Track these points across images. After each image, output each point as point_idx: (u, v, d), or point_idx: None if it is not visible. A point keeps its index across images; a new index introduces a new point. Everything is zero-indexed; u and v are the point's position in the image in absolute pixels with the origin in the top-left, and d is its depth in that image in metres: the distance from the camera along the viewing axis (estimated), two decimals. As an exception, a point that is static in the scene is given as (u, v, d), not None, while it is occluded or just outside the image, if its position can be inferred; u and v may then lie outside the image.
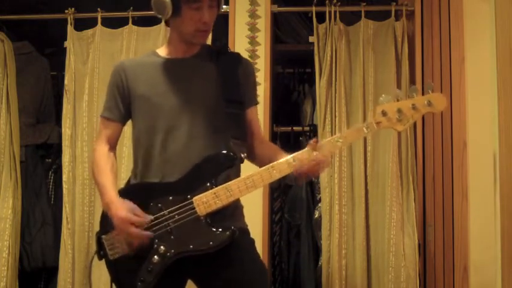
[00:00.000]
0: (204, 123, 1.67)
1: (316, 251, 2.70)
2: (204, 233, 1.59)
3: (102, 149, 1.73)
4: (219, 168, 1.63)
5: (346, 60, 2.65)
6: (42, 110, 3.09)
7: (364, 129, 1.59)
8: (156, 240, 1.59)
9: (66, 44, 2.81)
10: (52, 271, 2.81)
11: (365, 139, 2.58)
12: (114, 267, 1.65)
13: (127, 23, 2.79)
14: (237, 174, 1.69)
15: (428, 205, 2.56)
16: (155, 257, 1.59)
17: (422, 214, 2.58)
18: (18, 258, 2.75)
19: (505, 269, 1.92)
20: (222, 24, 2.71)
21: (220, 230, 1.59)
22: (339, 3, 2.66)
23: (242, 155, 1.66)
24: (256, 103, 1.84)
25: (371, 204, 2.57)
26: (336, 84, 2.62)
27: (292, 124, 2.97)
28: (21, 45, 3.02)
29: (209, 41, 2.62)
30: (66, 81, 2.79)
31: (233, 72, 1.74)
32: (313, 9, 2.69)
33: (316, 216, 2.69)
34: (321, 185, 2.62)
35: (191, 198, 1.60)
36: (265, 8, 2.72)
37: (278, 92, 3.29)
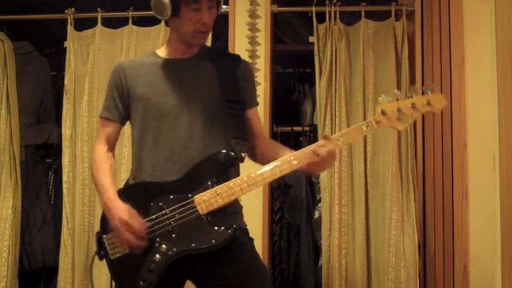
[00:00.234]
0: (203, 124, 1.67)
1: (316, 251, 2.70)
2: (206, 232, 1.59)
3: (101, 149, 1.74)
4: (219, 168, 1.63)
5: (346, 60, 2.65)
6: (42, 110, 3.09)
7: (364, 127, 1.60)
8: (158, 239, 1.60)
9: (66, 44, 2.81)
10: (52, 271, 2.81)
11: (365, 139, 2.59)
12: (115, 266, 1.65)
13: (127, 23, 2.79)
14: (237, 174, 1.69)
15: (428, 205, 2.56)
16: (157, 255, 1.59)
17: (422, 214, 2.58)
18: (18, 258, 2.76)
19: (505, 268, 1.92)
20: (222, 24, 2.71)
21: (221, 228, 1.59)
22: (339, 3, 2.66)
23: (242, 155, 1.66)
24: (256, 104, 1.84)
25: (371, 204, 2.57)
26: (336, 84, 2.62)
27: (292, 124, 2.97)
28: (21, 45, 3.02)
29: (209, 42, 2.64)
30: (66, 81, 2.79)
31: (233, 73, 1.75)
32: (313, 9, 2.69)
33: (316, 216, 2.69)
34: (321, 185, 2.62)
35: (192, 197, 1.60)
36: (265, 8, 2.72)
37: (278, 92, 3.29)
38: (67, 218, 2.70)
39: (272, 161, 1.63)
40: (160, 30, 2.72)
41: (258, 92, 1.90)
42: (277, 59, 3.02)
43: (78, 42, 2.81)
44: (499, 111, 1.98)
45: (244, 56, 2.58)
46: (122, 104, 1.75)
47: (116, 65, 1.80)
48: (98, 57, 2.78)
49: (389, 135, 2.53)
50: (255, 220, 2.57)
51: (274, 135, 2.89)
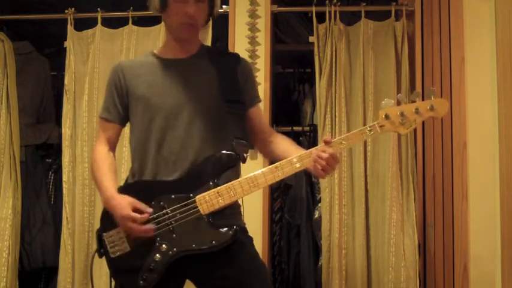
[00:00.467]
0: (203, 124, 1.67)
1: (316, 251, 2.70)
2: (207, 232, 1.59)
3: (101, 149, 1.74)
4: (220, 168, 1.63)
5: (346, 60, 2.65)
6: (42, 110, 3.09)
7: (367, 131, 1.60)
8: (158, 239, 1.60)
9: (66, 44, 2.81)
10: (52, 271, 2.81)
11: (365, 139, 2.58)
12: (115, 265, 1.65)
13: (127, 23, 2.79)
14: (237, 174, 1.69)
15: (428, 205, 2.56)
16: (157, 255, 1.59)
17: (422, 214, 2.58)
18: (18, 258, 2.76)
19: (505, 268, 1.92)
20: (222, 24, 2.71)
21: (222, 229, 1.59)
22: (339, 3, 2.66)
23: (245, 155, 1.66)
24: (259, 101, 1.84)
25: (371, 204, 2.57)
26: (336, 84, 2.62)
27: (292, 124, 2.97)
28: (21, 45, 3.02)
29: (209, 42, 2.64)
30: (66, 81, 2.79)
31: (232, 73, 1.74)
32: (313, 9, 2.69)
33: (316, 216, 2.69)
34: (321, 185, 2.62)
35: (194, 196, 1.60)
36: (265, 8, 2.72)
37: (278, 92, 3.29)
38: (67, 218, 2.70)
39: (282, 157, 1.63)
40: (161, 30, 2.72)
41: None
42: (277, 59, 3.02)
43: (78, 42, 2.81)
44: (499, 111, 1.98)
45: (244, 56, 2.58)
46: (121, 104, 1.74)
47: (114, 64, 1.80)
48: (98, 57, 2.78)
49: (390, 135, 2.53)
50: (255, 220, 2.57)
51: (274, 135, 2.89)
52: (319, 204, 2.66)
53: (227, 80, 1.72)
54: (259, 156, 2.60)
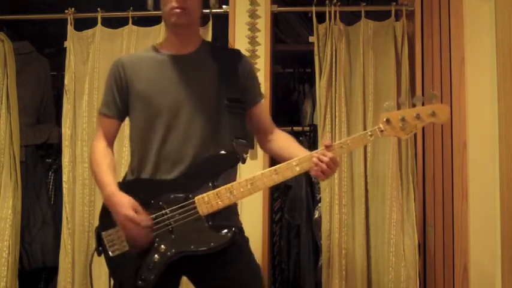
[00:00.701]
0: (202, 122, 1.67)
1: (316, 251, 2.70)
2: (205, 234, 1.59)
3: (100, 145, 1.74)
4: (220, 168, 1.63)
5: (346, 60, 2.65)
6: (42, 110, 3.09)
7: (369, 136, 1.60)
8: (157, 239, 1.60)
9: (66, 44, 2.81)
10: (52, 271, 2.81)
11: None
12: (113, 264, 1.65)
13: (127, 23, 2.79)
14: (235, 175, 1.69)
15: (428, 205, 2.56)
16: (156, 255, 1.59)
17: (422, 214, 2.58)
18: (18, 258, 2.75)
19: (505, 269, 1.92)
20: (222, 24, 2.71)
21: (221, 231, 1.59)
22: (339, 3, 2.66)
23: (244, 155, 1.66)
24: (262, 98, 1.83)
25: (371, 204, 2.57)
26: (336, 84, 2.62)
27: (292, 124, 2.97)
28: (21, 45, 3.02)
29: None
30: (66, 81, 2.79)
31: (233, 71, 1.73)
32: (313, 9, 2.68)
33: (316, 216, 2.69)
34: (321, 185, 2.62)
35: (193, 197, 1.60)
36: (265, 8, 2.72)
37: (278, 92, 3.29)
38: (67, 218, 2.70)
39: (284, 155, 1.64)
40: (160, 30, 2.72)
41: (259, 90, 1.88)
42: (277, 59, 3.02)
43: (78, 42, 2.81)
44: (499, 111, 1.98)
45: (244, 56, 2.58)
46: (121, 99, 1.74)
47: (114, 60, 1.79)
48: (98, 57, 2.78)
49: (390, 137, 2.52)
50: (255, 220, 2.57)
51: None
52: (319, 204, 2.66)
53: (228, 78, 1.72)
54: (259, 156, 2.60)
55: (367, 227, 2.56)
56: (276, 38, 3.12)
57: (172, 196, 1.61)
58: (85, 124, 2.74)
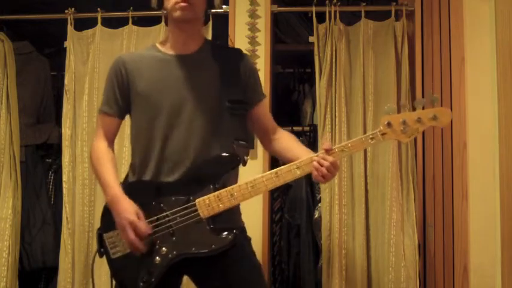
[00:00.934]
0: (203, 123, 1.66)
1: (316, 251, 2.70)
2: (206, 236, 1.59)
3: (101, 144, 1.73)
4: (221, 170, 1.63)
5: (346, 60, 2.65)
6: (42, 110, 3.09)
7: (370, 140, 1.59)
8: (158, 241, 1.60)
9: (66, 44, 2.81)
10: (52, 271, 2.81)
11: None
12: (115, 266, 1.65)
13: (127, 23, 2.79)
14: (237, 177, 1.69)
15: (428, 205, 2.56)
16: (157, 258, 1.59)
17: (422, 214, 2.58)
18: (18, 258, 2.75)
19: (505, 269, 1.92)
20: (222, 24, 2.71)
21: (222, 233, 1.59)
22: (339, 3, 2.66)
23: (245, 158, 1.66)
24: (263, 97, 1.82)
25: (371, 204, 2.57)
26: (336, 84, 2.62)
27: (292, 124, 2.97)
28: (21, 45, 3.02)
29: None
30: (66, 81, 2.79)
31: (235, 71, 1.73)
32: (313, 9, 2.68)
33: (316, 216, 2.69)
34: (321, 185, 2.62)
35: (194, 200, 1.59)
36: (265, 8, 2.71)
37: (278, 92, 3.29)
38: (67, 218, 2.70)
39: (286, 155, 1.65)
40: (161, 30, 2.72)
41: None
42: (277, 59, 3.02)
43: (78, 42, 2.81)
44: (499, 111, 1.98)
45: (244, 56, 2.58)
46: (122, 97, 1.73)
47: (115, 58, 1.78)
48: (98, 57, 2.78)
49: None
50: (255, 220, 2.57)
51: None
52: (319, 204, 2.66)
53: (230, 79, 1.71)
54: (259, 156, 2.60)
55: (367, 227, 2.56)
56: (276, 38, 3.12)
57: (173, 198, 1.61)
58: (85, 124, 2.74)
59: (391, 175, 2.51)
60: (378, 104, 2.59)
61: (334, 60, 2.63)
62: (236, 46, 2.68)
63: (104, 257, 1.68)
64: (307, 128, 2.98)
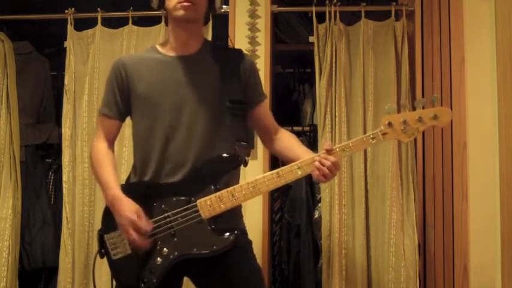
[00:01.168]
0: (205, 124, 1.66)
1: (316, 251, 2.70)
2: (208, 237, 1.59)
3: (102, 145, 1.73)
4: (222, 171, 1.63)
5: (346, 60, 2.65)
6: (42, 110, 3.09)
7: (371, 139, 1.60)
8: (159, 242, 1.60)
9: (66, 44, 2.81)
10: (52, 271, 2.81)
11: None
12: (116, 267, 1.65)
13: (127, 23, 2.79)
14: (238, 177, 1.69)
15: (428, 205, 2.56)
16: (158, 258, 1.59)
17: (422, 214, 2.58)
18: (18, 258, 2.75)
19: (505, 269, 1.92)
20: (222, 24, 2.71)
21: (223, 234, 1.59)
22: (339, 3, 2.66)
23: (246, 158, 1.66)
24: (264, 97, 1.82)
25: (371, 204, 2.57)
26: (336, 84, 2.62)
27: (292, 124, 2.97)
28: (21, 45, 3.02)
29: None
30: (66, 81, 2.79)
31: (236, 71, 1.72)
32: (313, 9, 2.68)
33: (316, 216, 2.69)
34: (321, 185, 2.62)
35: (195, 200, 1.59)
36: (265, 8, 2.72)
37: (278, 92, 3.29)
38: (67, 218, 2.70)
39: (287, 155, 1.66)
40: (161, 30, 2.72)
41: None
42: (277, 59, 3.02)
43: (78, 42, 2.81)
44: (499, 111, 1.98)
45: (244, 56, 2.58)
46: (122, 99, 1.73)
47: (115, 60, 1.78)
48: (98, 57, 2.78)
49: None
50: (255, 220, 2.57)
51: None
52: (319, 204, 2.66)
53: (230, 79, 1.71)
54: (259, 156, 2.60)
55: (367, 227, 2.56)
56: (276, 38, 3.12)
57: (174, 199, 1.61)
58: (85, 124, 2.74)
59: (391, 175, 2.51)
60: (377, 104, 2.59)
61: (334, 60, 2.63)
62: (236, 46, 2.68)
63: (105, 258, 1.68)
64: (307, 128, 2.98)
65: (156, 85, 1.68)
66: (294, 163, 1.60)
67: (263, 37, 2.70)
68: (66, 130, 2.76)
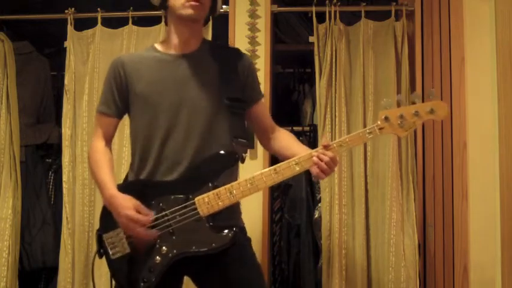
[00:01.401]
0: (203, 123, 1.66)
1: (316, 251, 2.70)
2: (206, 235, 1.59)
3: (99, 144, 1.74)
4: (220, 168, 1.63)
5: (346, 60, 2.65)
6: (42, 110, 3.09)
7: (367, 134, 1.60)
8: (158, 241, 1.60)
9: (66, 44, 2.81)
10: (52, 271, 2.81)
11: (365, 139, 2.58)
12: (115, 266, 1.66)
13: (127, 23, 2.79)
14: (236, 174, 1.69)
15: (428, 205, 2.56)
16: (157, 257, 1.59)
17: (422, 214, 2.58)
18: (18, 258, 2.75)
19: (505, 269, 1.92)
20: (222, 24, 2.71)
21: (222, 231, 1.59)
22: (339, 3, 2.66)
23: (244, 155, 1.66)
24: (261, 97, 1.83)
25: (371, 204, 2.57)
26: (336, 84, 2.62)
27: (292, 124, 2.97)
28: (21, 45, 3.02)
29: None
30: (66, 81, 2.79)
31: (234, 70, 1.73)
32: (313, 9, 2.69)
33: (316, 216, 2.69)
34: (321, 185, 2.62)
35: (193, 198, 1.60)
36: (265, 8, 2.72)
37: (278, 92, 3.29)
38: (67, 218, 2.70)
39: (285, 154, 1.65)
40: (161, 30, 2.72)
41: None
42: (277, 59, 3.02)
43: (78, 42, 2.81)
44: (499, 111, 1.98)
45: (244, 56, 2.58)
46: (121, 98, 1.73)
47: (114, 59, 1.78)
48: (98, 57, 2.78)
49: (390, 136, 2.53)
50: (255, 220, 2.57)
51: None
52: (319, 204, 2.66)
53: (228, 78, 1.71)
54: (259, 156, 2.60)
55: (367, 227, 2.56)
56: (276, 38, 3.12)
57: (172, 197, 1.61)
58: (85, 124, 2.74)
59: (391, 175, 2.51)
60: (377, 104, 2.59)
61: (334, 60, 2.63)
62: (236, 46, 2.68)
63: (104, 257, 1.68)
64: (307, 128, 2.98)
65: (156, 84, 1.69)
66: (291, 159, 1.60)
67: (263, 37, 2.70)
68: (66, 130, 2.76)
